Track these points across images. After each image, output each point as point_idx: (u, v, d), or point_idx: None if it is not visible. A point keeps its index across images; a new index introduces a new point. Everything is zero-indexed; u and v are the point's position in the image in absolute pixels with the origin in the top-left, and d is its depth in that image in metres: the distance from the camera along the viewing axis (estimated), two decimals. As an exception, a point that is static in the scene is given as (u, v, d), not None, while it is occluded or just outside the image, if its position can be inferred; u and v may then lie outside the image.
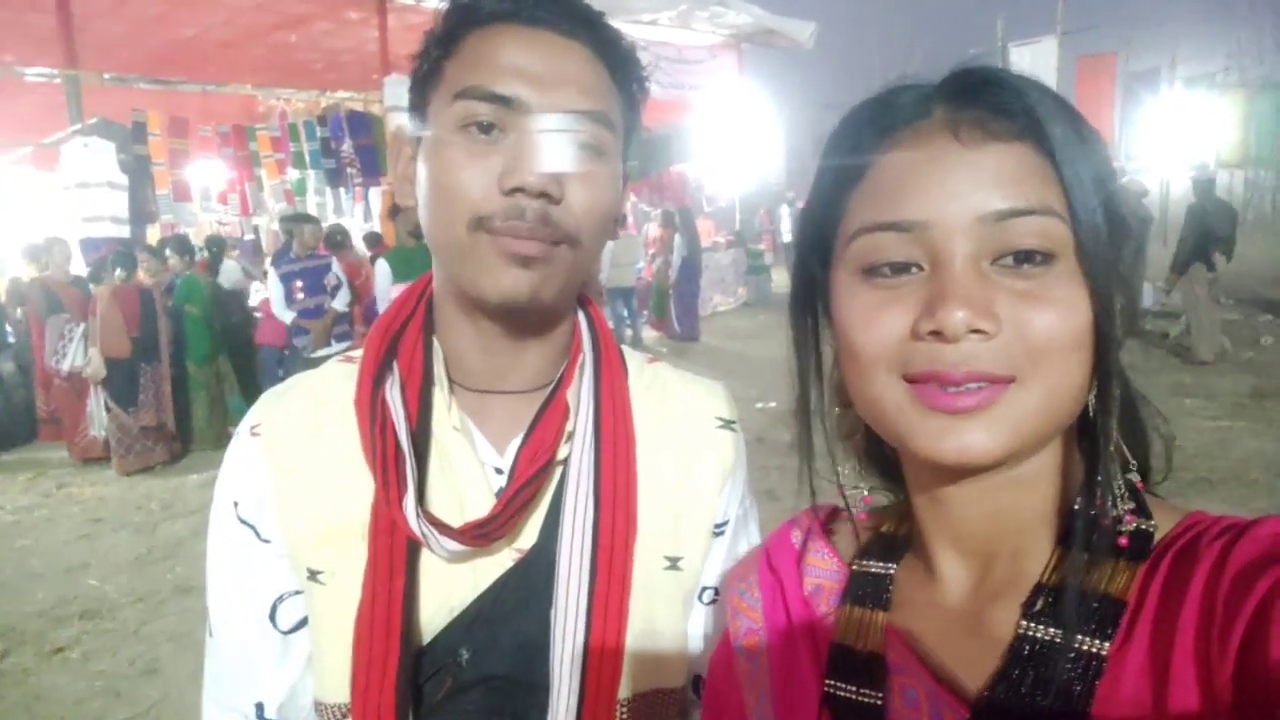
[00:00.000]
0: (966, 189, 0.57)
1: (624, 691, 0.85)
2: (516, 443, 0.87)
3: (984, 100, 0.59)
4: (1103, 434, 0.58)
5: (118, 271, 7.10)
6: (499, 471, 0.87)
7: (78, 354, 7.21)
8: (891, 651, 0.66)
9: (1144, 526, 0.59)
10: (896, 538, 0.74)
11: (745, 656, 0.77)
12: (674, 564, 0.90)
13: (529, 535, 0.86)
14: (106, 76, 9.64)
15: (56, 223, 8.72)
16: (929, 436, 0.57)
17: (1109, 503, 0.58)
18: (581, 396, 0.89)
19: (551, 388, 0.89)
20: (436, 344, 0.88)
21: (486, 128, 0.77)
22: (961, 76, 0.61)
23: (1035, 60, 14.33)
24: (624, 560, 0.85)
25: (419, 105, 0.84)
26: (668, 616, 0.90)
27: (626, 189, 0.89)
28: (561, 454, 0.87)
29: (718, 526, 0.94)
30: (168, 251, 8.09)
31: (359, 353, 0.89)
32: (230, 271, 9.02)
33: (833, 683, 0.68)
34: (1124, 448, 0.61)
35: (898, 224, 0.59)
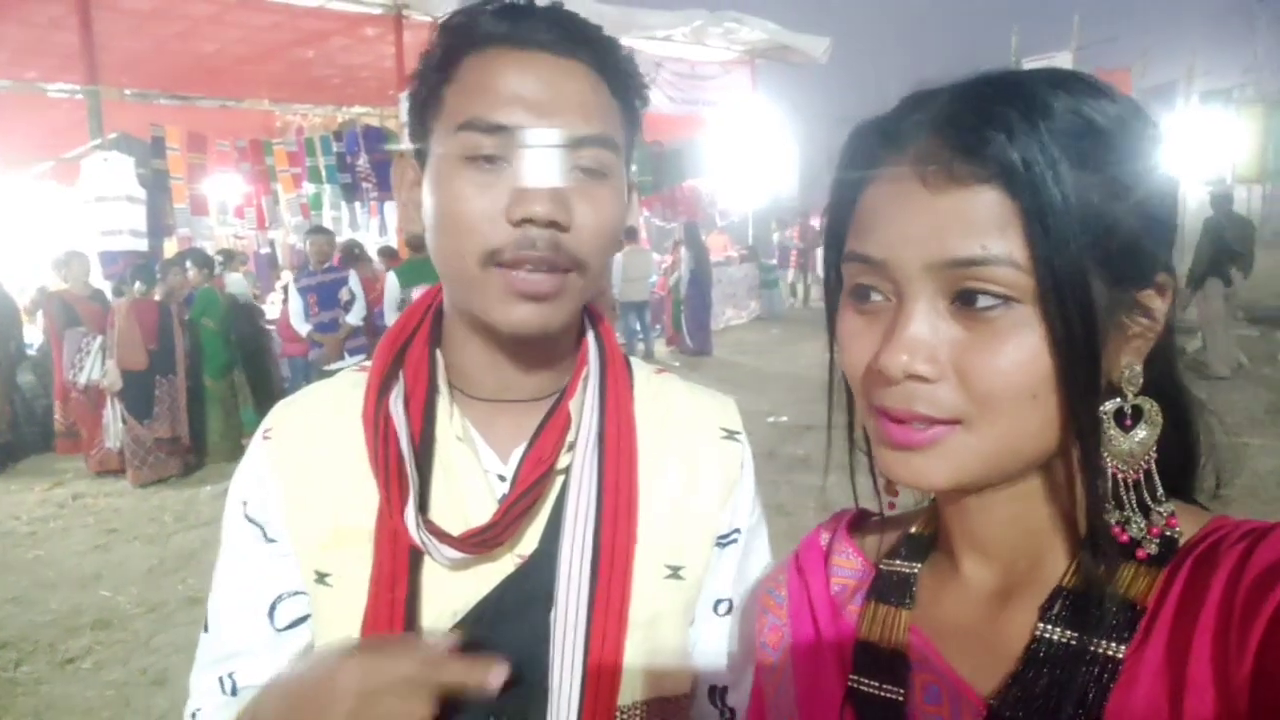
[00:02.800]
0: (922, 234, 0.57)
1: (624, 698, 0.86)
2: (520, 450, 0.88)
3: (956, 139, 0.56)
4: (1084, 476, 0.59)
5: (136, 285, 7.18)
6: (502, 479, 0.88)
7: (95, 367, 7.27)
8: (914, 649, 0.67)
9: (1169, 534, 0.58)
10: (923, 538, 0.75)
11: (768, 651, 0.78)
12: (675, 573, 0.90)
13: (530, 541, 0.87)
14: (127, 92, 9.79)
15: (76, 236, 8.81)
16: (886, 464, 0.62)
17: (1113, 528, 0.58)
18: (585, 406, 0.90)
19: (556, 397, 0.90)
20: (440, 355, 0.90)
21: (491, 158, 0.78)
22: (949, 107, 0.58)
23: (1050, 75, 14.29)
24: (624, 568, 0.86)
25: (420, 130, 0.84)
26: (669, 625, 0.90)
27: (631, 201, 0.90)
28: (563, 463, 0.87)
29: (722, 538, 0.94)
30: (187, 264, 8.17)
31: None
32: (236, 284, 9.09)
33: (856, 678, 0.69)
34: (1148, 474, 0.59)
35: (865, 258, 0.61)
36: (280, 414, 0.93)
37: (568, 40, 0.80)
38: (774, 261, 16.11)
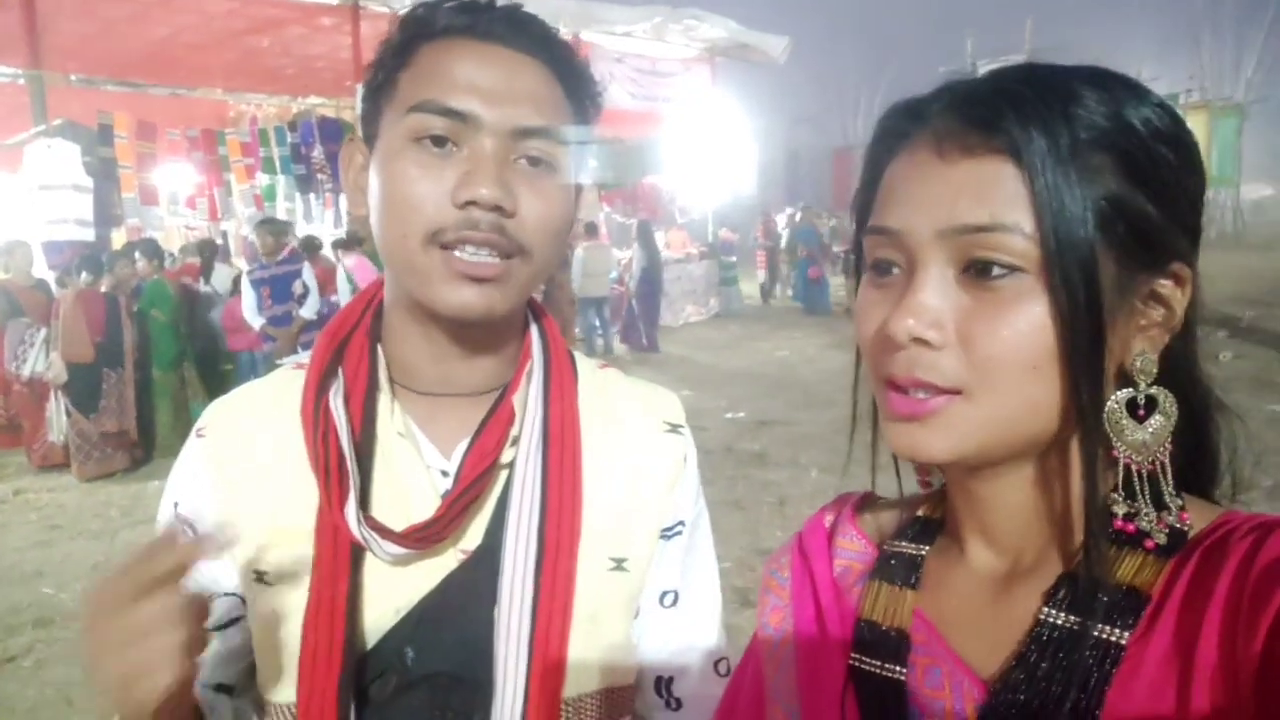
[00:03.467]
0: (934, 202, 0.59)
1: (569, 691, 0.86)
2: (463, 445, 0.88)
3: (973, 115, 0.59)
4: (1082, 459, 0.60)
5: (83, 275, 6.99)
6: (445, 474, 0.88)
7: (39, 359, 7.08)
8: (917, 631, 0.68)
9: (1178, 526, 0.59)
10: (931, 522, 0.75)
11: (769, 631, 0.79)
12: (619, 565, 0.91)
13: (474, 536, 0.87)
14: (73, 78, 9.53)
15: (19, 225, 8.56)
16: (889, 433, 0.63)
17: (1118, 521, 0.59)
18: (529, 401, 0.90)
19: (499, 392, 0.90)
20: (380, 351, 0.89)
21: (440, 141, 0.78)
22: (974, 86, 0.61)
23: (1003, 79, 14.57)
24: (569, 561, 0.86)
25: (372, 115, 0.85)
26: (613, 617, 0.91)
27: (579, 200, 0.91)
28: (506, 457, 0.88)
29: (666, 530, 0.95)
30: (136, 255, 7.98)
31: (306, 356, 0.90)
32: (223, 276, 8.91)
33: (858, 657, 0.70)
34: (1163, 466, 0.60)
35: (881, 229, 0.62)
36: (215, 412, 0.91)
37: (524, 36, 0.81)
38: (733, 259, 16.17)
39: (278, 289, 7.27)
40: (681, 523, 0.96)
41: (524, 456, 0.88)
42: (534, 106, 0.80)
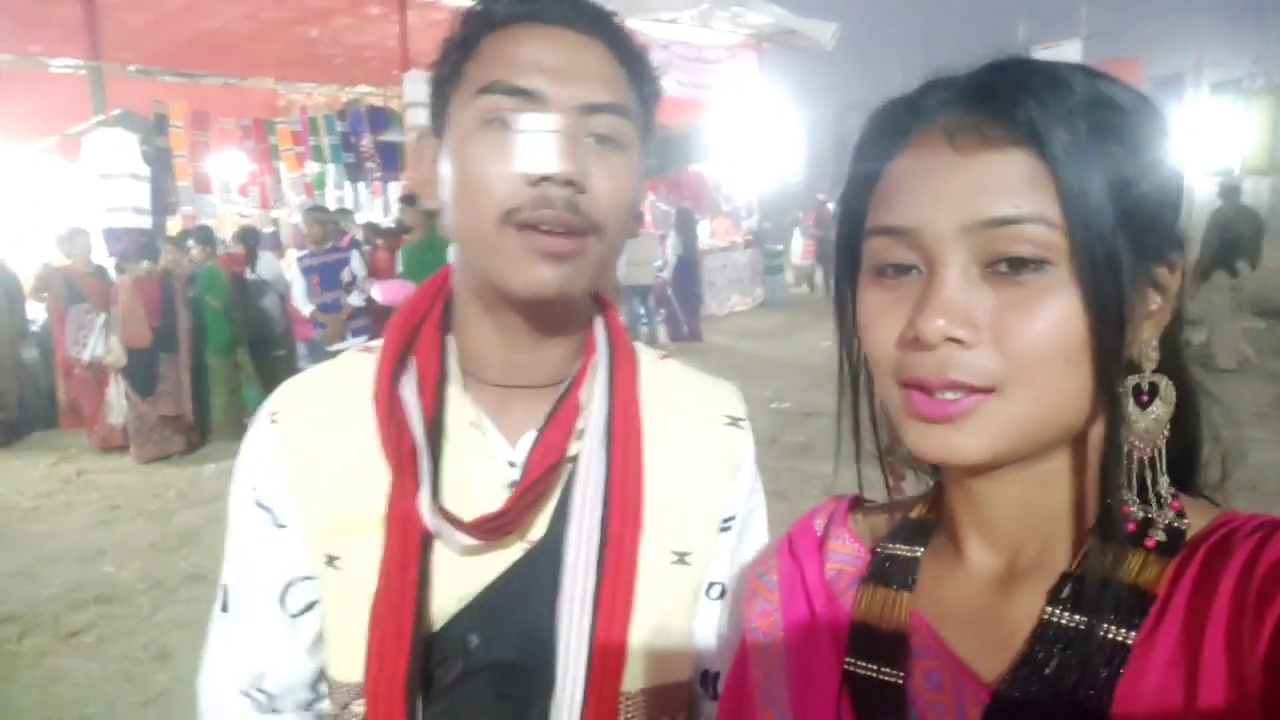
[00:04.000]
0: (955, 196, 0.57)
1: (629, 685, 0.86)
2: (530, 437, 0.89)
3: (988, 105, 0.58)
4: (1107, 449, 0.58)
5: (143, 262, 7.17)
6: (512, 465, 0.89)
7: (98, 343, 7.29)
8: (915, 634, 0.67)
9: (1176, 524, 0.59)
10: (925, 523, 0.74)
11: (757, 634, 0.78)
12: (681, 559, 0.91)
13: (539, 528, 0.88)
14: (131, 68, 9.75)
15: (79, 212, 8.80)
16: (915, 439, 0.60)
17: (1126, 509, 0.58)
18: (595, 394, 0.90)
19: (566, 384, 0.91)
20: (452, 341, 0.90)
21: (509, 121, 0.78)
22: (976, 78, 0.61)
23: (1058, 63, 14.20)
24: (630, 555, 0.86)
25: (439, 107, 0.85)
26: (675, 611, 0.91)
27: (645, 186, 0.91)
28: (572, 451, 0.88)
29: (724, 522, 0.95)
30: (190, 242, 8.16)
31: (378, 343, 0.91)
32: (270, 264, 9.08)
33: (853, 661, 0.69)
34: (1160, 453, 0.60)
35: (894, 229, 0.60)
36: (286, 396, 0.92)
37: (585, 19, 0.82)
38: (780, 247, 16.02)
39: (326, 276, 7.38)
40: (734, 516, 0.96)
41: (588, 450, 0.88)
42: (600, 83, 0.80)
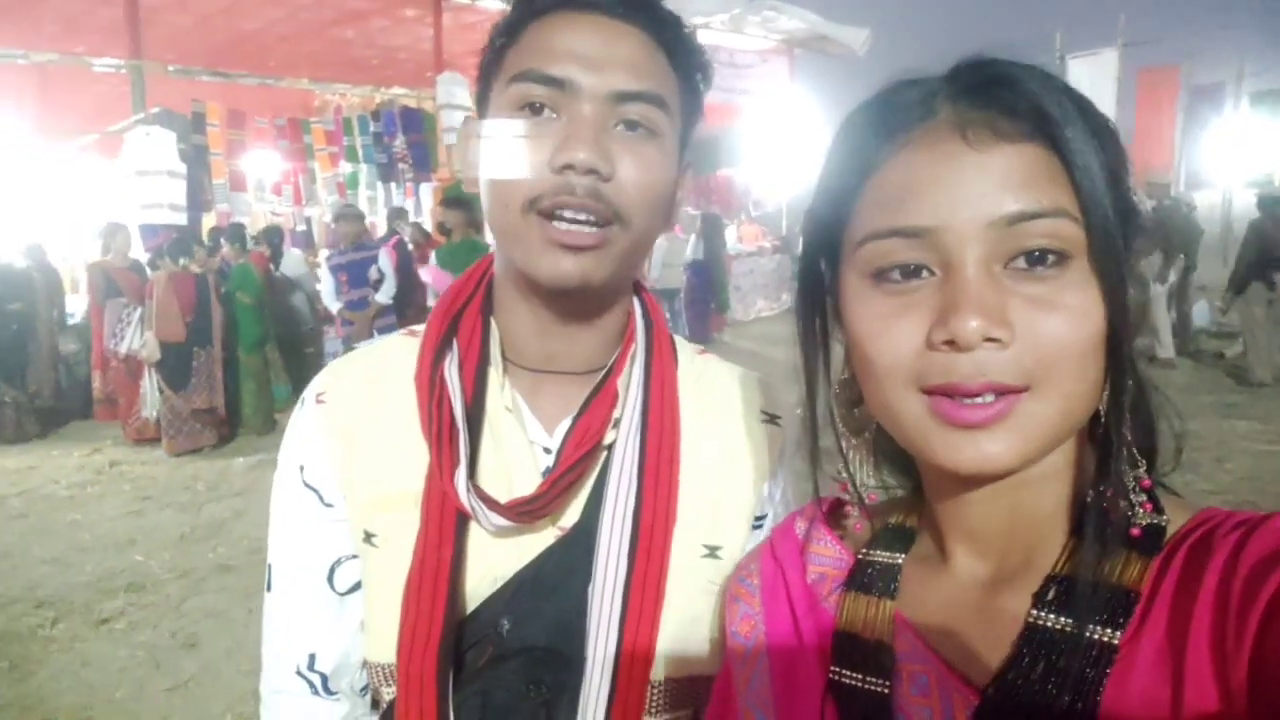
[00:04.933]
0: (976, 192, 0.56)
1: (657, 674, 0.87)
2: (566, 424, 0.89)
3: (994, 100, 0.57)
4: (1115, 436, 0.58)
5: (180, 260, 7.29)
6: (547, 451, 0.89)
7: (134, 337, 7.41)
8: (900, 640, 0.66)
9: (1156, 520, 0.59)
10: (905, 529, 0.74)
11: (739, 638, 0.78)
12: (713, 552, 0.91)
13: (572, 514, 0.88)
14: (170, 68, 9.91)
15: (118, 209, 8.96)
16: (947, 448, 0.57)
17: (1121, 499, 0.58)
18: (631, 384, 0.90)
19: (604, 372, 0.91)
20: (494, 325, 0.91)
21: (538, 109, 0.79)
22: (968, 73, 0.60)
23: (1094, 72, 14.02)
24: (662, 545, 0.87)
25: (483, 93, 0.87)
26: (705, 604, 0.91)
27: (683, 176, 0.90)
28: (608, 439, 0.88)
29: (757, 520, 0.95)
30: (222, 240, 8.29)
31: (421, 327, 0.93)
32: (295, 261, 9.19)
33: (838, 670, 0.68)
34: (1128, 444, 0.59)
35: (907, 230, 0.58)
36: (332, 377, 0.93)
37: (625, 5, 0.81)
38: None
39: (354, 274, 7.48)
40: (766, 515, 0.96)
41: (623, 439, 0.88)
42: (632, 71, 0.80)
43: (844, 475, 0.72)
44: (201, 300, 7.36)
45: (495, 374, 0.90)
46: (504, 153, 0.79)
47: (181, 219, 8.57)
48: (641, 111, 0.80)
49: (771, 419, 0.97)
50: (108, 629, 4.19)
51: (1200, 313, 10.41)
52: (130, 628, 4.20)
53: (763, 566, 0.79)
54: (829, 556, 0.75)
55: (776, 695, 0.72)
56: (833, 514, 0.79)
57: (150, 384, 7.27)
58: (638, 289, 0.96)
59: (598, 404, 0.88)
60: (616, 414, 0.88)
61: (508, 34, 0.84)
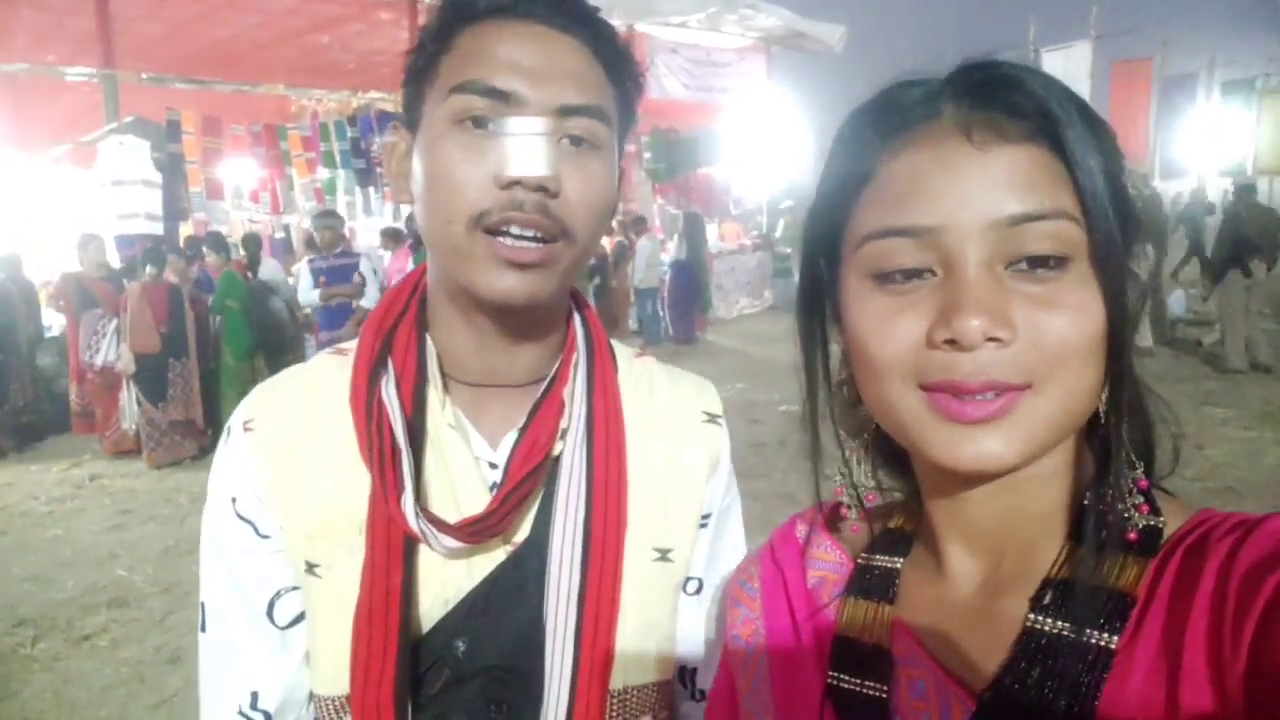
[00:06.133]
0: (979, 193, 0.56)
1: (616, 682, 0.86)
2: (511, 437, 0.87)
3: (997, 100, 0.58)
4: (1114, 436, 0.58)
5: (148, 269, 7.22)
6: (493, 466, 0.87)
7: (110, 348, 7.33)
8: (898, 644, 0.66)
9: (1153, 523, 0.59)
10: (903, 533, 0.74)
11: (739, 642, 0.78)
12: (664, 555, 0.91)
13: (522, 529, 0.87)
14: (143, 76, 9.84)
15: (93, 219, 8.87)
16: (946, 445, 0.57)
17: (1119, 501, 0.58)
18: (575, 393, 0.89)
19: (546, 383, 0.89)
20: (430, 341, 0.88)
21: (481, 122, 0.76)
22: (971, 74, 0.60)
23: (1068, 65, 14.16)
24: (615, 553, 0.86)
25: (414, 101, 0.83)
26: (659, 609, 0.90)
27: (621, 184, 0.89)
28: (556, 450, 0.87)
29: (703, 519, 0.95)
30: (204, 249, 8.21)
31: (351, 344, 0.89)
32: (272, 268, 9.13)
33: (836, 674, 0.68)
34: (1127, 445, 0.60)
35: (909, 229, 0.58)
36: (259, 403, 0.88)
37: (564, 16, 0.79)
38: (789, 250, 16.02)
39: (334, 279, 7.47)
40: (711, 513, 0.96)
41: (570, 450, 0.87)
42: (576, 85, 0.78)
43: (841, 478, 0.73)
44: (176, 311, 7.28)
45: (435, 391, 0.87)
46: (446, 167, 0.77)
47: (158, 228, 8.51)
48: (585, 126, 0.78)
49: (712, 419, 0.97)
50: (90, 646, 4.13)
51: (1177, 301, 10.53)
52: (113, 644, 4.14)
53: (763, 570, 0.79)
54: (829, 561, 0.76)
55: (777, 699, 0.72)
56: (833, 518, 0.79)
57: (128, 396, 7.19)
58: (575, 297, 0.95)
59: (543, 416, 0.86)
60: (563, 424, 0.87)
61: (440, 39, 0.81)
